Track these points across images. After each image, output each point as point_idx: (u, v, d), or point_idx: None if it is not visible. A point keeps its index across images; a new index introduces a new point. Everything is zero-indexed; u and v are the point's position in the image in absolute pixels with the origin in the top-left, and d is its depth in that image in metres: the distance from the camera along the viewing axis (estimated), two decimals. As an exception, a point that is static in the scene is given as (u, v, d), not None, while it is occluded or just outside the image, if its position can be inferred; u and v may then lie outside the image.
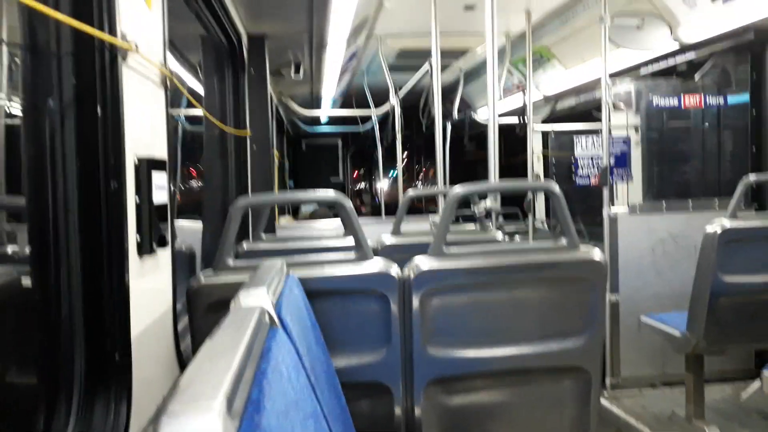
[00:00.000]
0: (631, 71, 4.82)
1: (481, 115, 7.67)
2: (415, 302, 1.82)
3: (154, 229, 1.41)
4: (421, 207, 7.78)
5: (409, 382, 1.86)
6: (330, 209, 6.26)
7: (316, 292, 1.76)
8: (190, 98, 1.98)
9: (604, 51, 3.89)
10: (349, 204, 1.86)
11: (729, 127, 4.54)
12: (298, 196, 1.86)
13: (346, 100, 7.57)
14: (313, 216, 7.16)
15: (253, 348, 0.88)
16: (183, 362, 1.65)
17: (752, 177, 2.91)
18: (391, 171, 10.84)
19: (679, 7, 3.82)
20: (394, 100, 5.76)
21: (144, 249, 1.37)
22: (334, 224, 4.25)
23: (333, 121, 8.88)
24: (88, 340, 1.21)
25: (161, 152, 1.50)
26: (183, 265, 3.03)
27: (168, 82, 1.61)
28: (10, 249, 1.86)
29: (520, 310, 1.91)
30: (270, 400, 0.79)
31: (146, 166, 1.36)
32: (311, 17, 3.58)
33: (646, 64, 4.78)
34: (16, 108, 2.05)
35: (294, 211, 7.96)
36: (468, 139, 7.43)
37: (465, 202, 2.74)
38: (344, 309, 1.82)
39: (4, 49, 1.97)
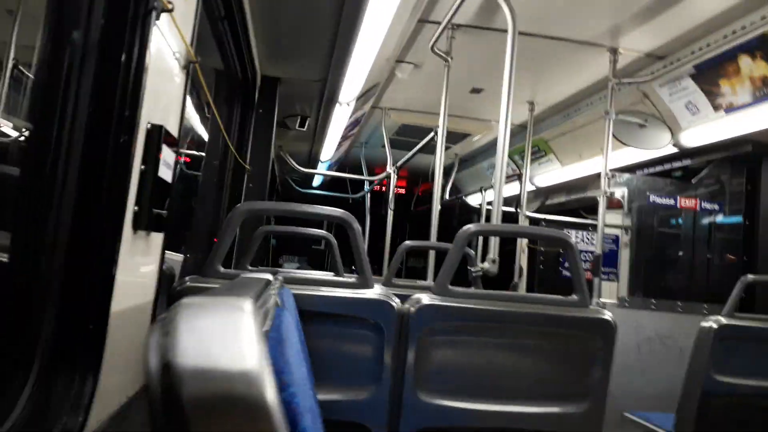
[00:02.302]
0: (626, 172, 4.91)
1: (471, 201, 7.74)
2: (413, 340, 1.69)
3: (154, 206, 1.29)
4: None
5: (395, 428, 1.69)
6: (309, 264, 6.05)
7: (308, 313, 1.63)
8: (207, 92, 1.92)
9: (606, 144, 3.96)
10: (357, 225, 1.76)
11: (720, 236, 4.58)
12: (304, 208, 1.76)
13: (340, 167, 7.61)
14: None
15: (268, 298, 0.76)
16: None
17: (750, 277, 2.89)
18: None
19: (682, 112, 3.95)
20: (391, 170, 5.78)
21: (140, 224, 1.24)
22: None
23: (324, 186, 8.90)
24: (62, 301, 1.06)
25: (173, 130, 1.41)
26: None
27: (191, 68, 1.55)
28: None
29: (522, 365, 1.78)
30: (287, 347, 0.67)
31: (158, 134, 1.26)
32: (327, 68, 3.63)
33: (641, 166, 4.90)
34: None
35: (274, 266, 7.76)
36: (457, 223, 7.45)
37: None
38: (336, 336, 1.68)
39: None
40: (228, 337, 0.45)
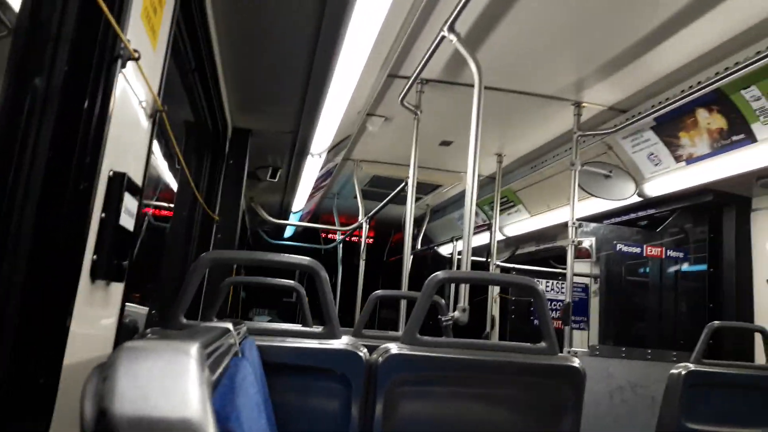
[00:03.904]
0: (593, 221, 5.00)
1: (443, 251, 7.76)
2: (381, 391, 1.65)
3: (114, 255, 1.26)
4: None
5: None
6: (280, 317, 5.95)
7: (273, 365, 1.59)
8: (174, 143, 1.91)
9: (573, 194, 4.04)
10: (324, 273, 1.74)
11: (686, 283, 4.66)
12: (269, 257, 1.74)
13: (312, 218, 7.61)
14: None
15: (224, 346, 0.74)
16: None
17: (716, 323, 2.92)
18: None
19: (645, 163, 4.07)
20: (363, 220, 5.80)
21: (98, 273, 1.21)
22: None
23: (296, 237, 8.86)
24: (12, 352, 1.01)
25: (137, 178, 1.39)
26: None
27: (157, 117, 1.55)
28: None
29: (492, 415, 1.75)
30: (240, 396, 0.64)
31: (119, 183, 1.25)
32: (298, 120, 3.67)
33: (608, 216, 4.99)
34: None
35: (244, 319, 7.59)
36: (429, 273, 7.44)
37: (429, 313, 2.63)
38: (301, 389, 1.64)
39: None
40: (169, 382, 0.43)
